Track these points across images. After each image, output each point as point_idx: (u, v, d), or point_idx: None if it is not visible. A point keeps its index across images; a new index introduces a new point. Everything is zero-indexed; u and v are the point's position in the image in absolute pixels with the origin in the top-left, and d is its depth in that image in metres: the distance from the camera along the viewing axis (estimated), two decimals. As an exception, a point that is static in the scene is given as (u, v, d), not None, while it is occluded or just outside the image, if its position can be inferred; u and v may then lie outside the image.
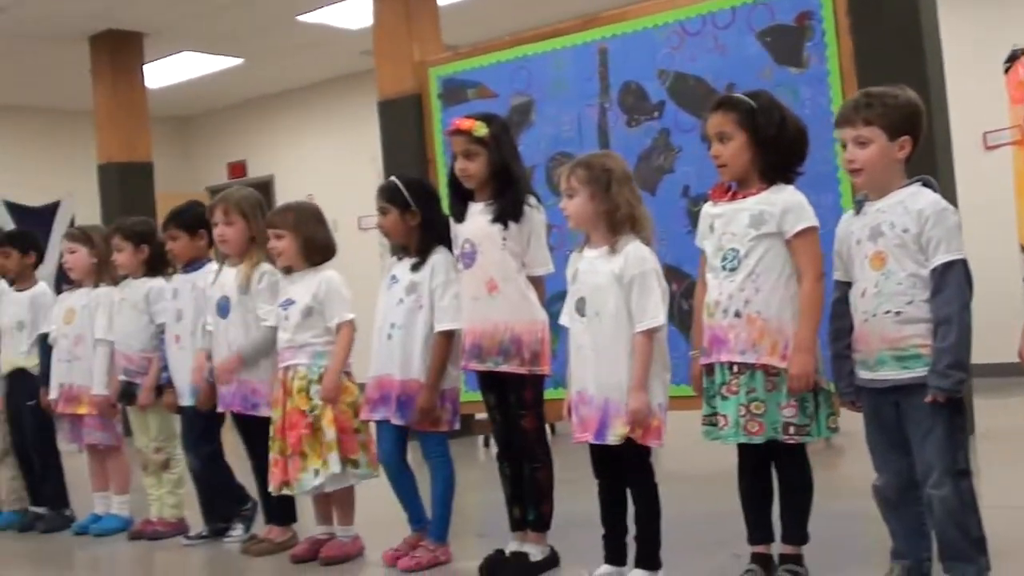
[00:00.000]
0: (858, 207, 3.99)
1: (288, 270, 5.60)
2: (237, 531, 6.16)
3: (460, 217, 5.04)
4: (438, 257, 5.16)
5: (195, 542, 6.22)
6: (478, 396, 5.18)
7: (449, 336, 5.10)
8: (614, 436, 4.27)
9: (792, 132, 4.22)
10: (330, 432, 5.35)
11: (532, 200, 4.93)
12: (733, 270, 4.15)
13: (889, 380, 3.85)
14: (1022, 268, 8.51)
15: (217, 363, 5.84)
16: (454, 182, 5.06)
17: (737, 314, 4.12)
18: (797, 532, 4.28)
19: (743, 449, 4.26)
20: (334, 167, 14.98)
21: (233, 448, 6.21)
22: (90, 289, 6.77)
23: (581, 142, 8.03)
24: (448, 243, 5.15)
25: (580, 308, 4.42)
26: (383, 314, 5.25)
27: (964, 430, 3.87)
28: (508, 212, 4.86)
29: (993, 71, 8.76)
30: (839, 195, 6.80)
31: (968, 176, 7.83)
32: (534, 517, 4.96)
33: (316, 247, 5.56)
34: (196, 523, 6.34)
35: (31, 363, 7.00)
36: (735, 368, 4.13)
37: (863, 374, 3.94)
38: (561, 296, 4.63)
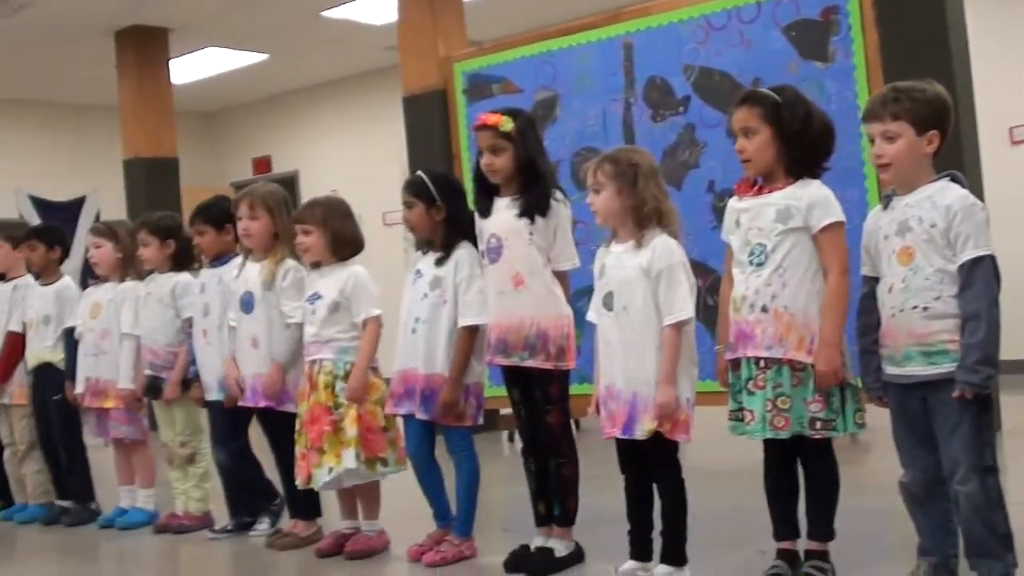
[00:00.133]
0: (886, 202, 3.97)
1: (316, 264, 5.60)
2: (263, 525, 6.17)
3: (485, 212, 5.04)
4: (462, 252, 5.15)
5: (220, 536, 6.24)
6: (502, 391, 5.18)
7: (473, 331, 5.10)
8: (642, 431, 4.27)
9: (818, 127, 4.19)
10: (352, 430, 5.34)
11: (558, 194, 4.93)
12: (760, 265, 4.14)
13: (916, 376, 3.84)
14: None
15: (251, 372, 5.84)
16: (479, 177, 5.06)
17: (764, 309, 4.11)
18: (823, 528, 4.26)
19: (769, 444, 4.25)
20: (358, 163, 15.00)
21: (257, 442, 6.22)
22: (116, 284, 6.80)
23: (606, 137, 8.03)
24: (473, 238, 5.15)
25: (608, 303, 4.41)
26: (407, 309, 5.25)
27: (991, 426, 3.86)
28: (535, 206, 4.86)
29: (1019, 65, 8.73)
30: (865, 190, 6.79)
31: (994, 171, 7.80)
32: (559, 512, 4.96)
33: (344, 241, 5.56)
34: (221, 517, 6.36)
35: (57, 357, 7.03)
36: (761, 363, 4.11)
37: (890, 369, 3.93)
38: (585, 291, 4.63)
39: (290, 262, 5.81)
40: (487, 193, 5.04)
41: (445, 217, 5.21)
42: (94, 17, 11.64)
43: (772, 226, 4.12)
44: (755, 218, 4.18)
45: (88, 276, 7.36)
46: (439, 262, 5.18)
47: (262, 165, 16.58)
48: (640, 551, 4.49)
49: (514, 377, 5.02)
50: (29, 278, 7.29)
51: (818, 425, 4.07)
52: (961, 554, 3.94)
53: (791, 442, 4.15)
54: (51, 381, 7.01)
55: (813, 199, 4.11)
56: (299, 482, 5.51)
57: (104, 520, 6.83)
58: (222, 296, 6.07)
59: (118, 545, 6.47)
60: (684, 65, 7.73)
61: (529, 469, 5.06)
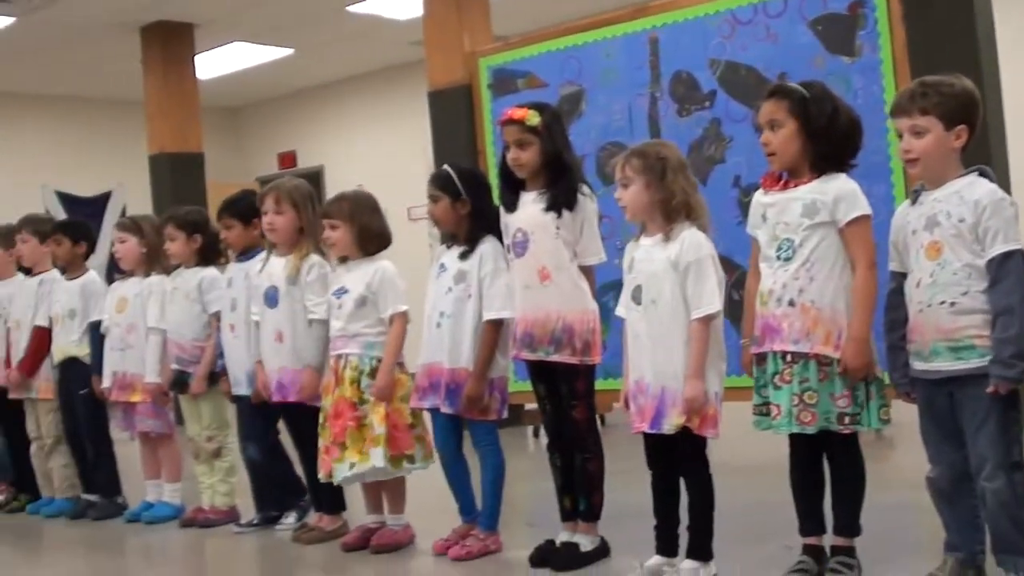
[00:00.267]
0: (914, 197, 3.96)
1: (343, 259, 5.60)
2: (290, 519, 6.18)
3: (511, 207, 5.04)
4: (487, 246, 5.15)
5: (246, 530, 6.25)
6: (527, 386, 5.18)
7: (497, 325, 5.10)
8: (670, 426, 4.26)
9: (845, 124, 4.18)
10: (380, 428, 5.34)
11: (585, 189, 4.92)
12: (788, 259, 4.12)
13: (943, 371, 3.83)
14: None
15: (276, 367, 5.85)
16: (505, 171, 5.05)
17: (791, 303, 4.10)
18: (849, 523, 4.24)
19: (795, 439, 4.24)
20: (383, 157, 15.03)
21: (280, 436, 6.24)
22: (141, 278, 6.82)
23: (632, 132, 8.01)
24: (497, 233, 5.14)
25: (636, 296, 4.40)
26: (432, 303, 5.26)
27: (1018, 423, 3.84)
28: (562, 201, 4.85)
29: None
30: (891, 185, 6.76)
31: (1022, 165, 7.75)
32: (585, 507, 4.96)
33: (371, 236, 5.55)
34: (247, 511, 6.37)
35: (83, 351, 7.05)
36: (788, 357, 4.10)
37: (917, 365, 3.92)
38: (612, 286, 4.62)
39: (315, 257, 5.82)
40: (513, 188, 5.04)
41: (470, 211, 5.21)
42: (120, 12, 11.69)
43: (799, 221, 4.11)
44: (781, 212, 4.17)
45: (113, 271, 7.38)
46: (463, 256, 5.18)
47: (287, 160, 16.62)
48: (666, 546, 4.49)
49: (540, 372, 5.02)
50: (55, 272, 7.30)
51: (846, 420, 4.06)
52: (988, 550, 3.93)
53: (817, 437, 4.14)
54: (77, 375, 7.04)
55: (839, 193, 4.10)
56: (321, 475, 5.53)
57: (130, 514, 6.85)
58: (249, 290, 6.08)
59: (144, 539, 6.49)
60: (710, 59, 7.71)
61: (555, 464, 5.06)
